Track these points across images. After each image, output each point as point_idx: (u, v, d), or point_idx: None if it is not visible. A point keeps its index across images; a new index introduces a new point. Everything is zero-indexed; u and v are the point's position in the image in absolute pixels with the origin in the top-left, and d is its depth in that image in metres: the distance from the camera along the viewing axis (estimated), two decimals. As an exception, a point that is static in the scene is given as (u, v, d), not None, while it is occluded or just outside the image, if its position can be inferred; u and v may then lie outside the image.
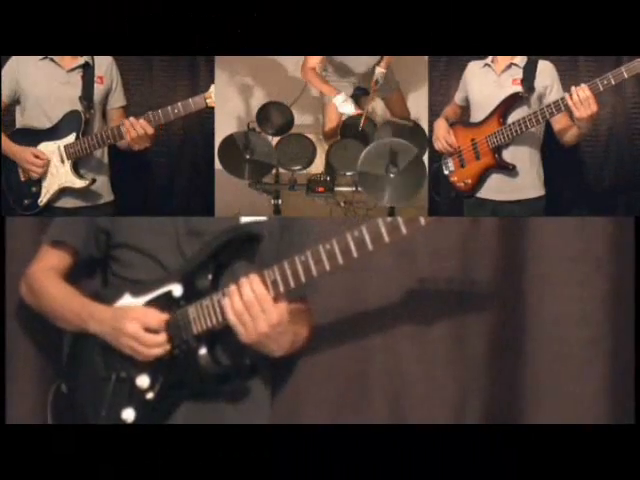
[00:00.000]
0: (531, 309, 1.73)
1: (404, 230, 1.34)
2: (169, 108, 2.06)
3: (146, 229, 1.58)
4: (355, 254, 1.36)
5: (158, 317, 1.47)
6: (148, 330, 1.45)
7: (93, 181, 2.21)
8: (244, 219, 1.57)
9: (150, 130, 2.05)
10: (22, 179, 2.20)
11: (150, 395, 1.48)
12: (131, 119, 2.06)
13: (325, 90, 2.76)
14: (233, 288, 1.39)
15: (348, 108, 2.65)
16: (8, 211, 2.21)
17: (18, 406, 1.73)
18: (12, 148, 2.18)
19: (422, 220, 1.34)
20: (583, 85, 1.96)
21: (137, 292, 1.53)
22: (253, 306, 1.37)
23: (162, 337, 1.46)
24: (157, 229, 1.57)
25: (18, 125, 2.25)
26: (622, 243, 1.73)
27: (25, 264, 1.65)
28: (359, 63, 2.81)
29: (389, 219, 1.35)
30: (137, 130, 2.04)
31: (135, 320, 1.45)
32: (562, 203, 2.53)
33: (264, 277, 1.39)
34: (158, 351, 1.46)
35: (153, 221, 1.60)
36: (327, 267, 1.37)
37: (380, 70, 2.70)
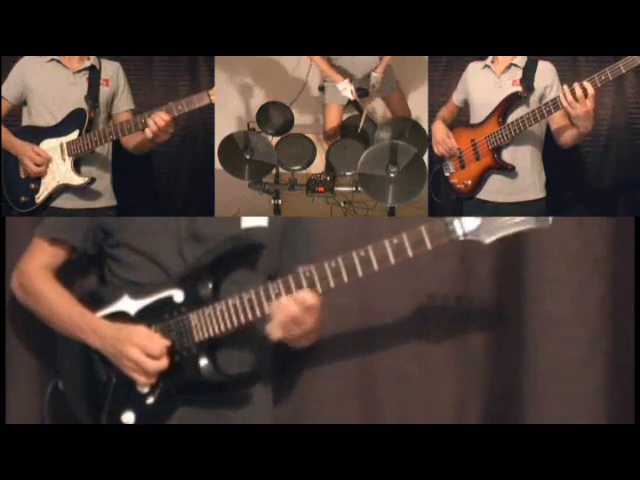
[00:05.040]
0: (530, 309, 1.73)
1: (410, 253, 1.35)
2: (172, 104, 2.05)
3: (148, 230, 1.57)
4: (360, 274, 1.38)
5: (160, 343, 1.45)
6: (150, 357, 1.45)
7: (92, 180, 2.20)
8: (245, 220, 1.57)
9: (168, 118, 2.03)
10: (22, 176, 2.20)
11: (150, 400, 1.48)
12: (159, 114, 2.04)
13: (330, 74, 2.81)
14: (276, 307, 1.38)
15: (347, 93, 2.76)
16: (8, 211, 2.21)
17: (18, 406, 1.73)
18: (13, 142, 2.19)
19: (429, 245, 1.35)
20: (575, 84, 1.96)
21: (136, 295, 1.52)
22: (299, 316, 1.38)
23: (164, 363, 1.45)
24: (159, 230, 1.57)
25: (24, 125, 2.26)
26: (622, 243, 1.73)
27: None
28: (359, 65, 2.82)
29: (395, 241, 1.36)
30: (157, 122, 2.02)
31: (137, 347, 1.44)
32: (562, 203, 2.53)
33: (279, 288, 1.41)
34: (156, 377, 1.47)
35: (155, 222, 1.59)
36: (332, 284, 1.39)
37: (376, 75, 2.71)
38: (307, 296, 1.37)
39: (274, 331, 1.39)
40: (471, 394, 1.78)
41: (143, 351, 1.44)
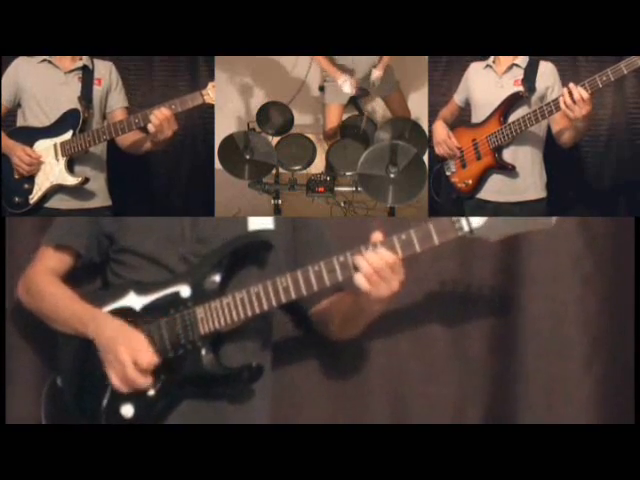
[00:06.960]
0: (531, 309, 1.73)
1: (418, 248, 1.38)
2: (166, 105, 2.05)
3: (152, 232, 1.58)
4: None
5: (150, 358, 1.45)
6: (136, 365, 1.43)
7: (86, 180, 2.19)
8: (252, 220, 1.58)
9: (169, 113, 2.02)
10: (16, 176, 2.19)
11: (151, 392, 1.48)
12: (161, 109, 2.03)
13: (330, 70, 2.81)
14: (360, 258, 1.38)
15: (346, 88, 2.74)
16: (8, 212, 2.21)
17: (18, 406, 1.73)
18: (8, 143, 2.18)
19: (436, 240, 1.38)
20: (572, 85, 1.95)
21: (142, 291, 1.53)
22: (384, 270, 1.37)
23: (146, 380, 1.45)
24: (163, 232, 1.57)
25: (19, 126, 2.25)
26: (622, 243, 1.73)
27: (25, 264, 1.65)
28: (360, 64, 2.82)
29: (403, 236, 1.38)
30: (158, 116, 2.01)
31: (129, 350, 1.43)
32: (562, 203, 2.53)
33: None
34: (133, 389, 1.45)
35: (159, 224, 1.60)
36: (340, 277, 1.41)
37: (376, 73, 2.71)
38: (385, 253, 1.37)
39: (361, 281, 1.38)
40: (471, 394, 1.78)
41: (133, 358, 1.43)
